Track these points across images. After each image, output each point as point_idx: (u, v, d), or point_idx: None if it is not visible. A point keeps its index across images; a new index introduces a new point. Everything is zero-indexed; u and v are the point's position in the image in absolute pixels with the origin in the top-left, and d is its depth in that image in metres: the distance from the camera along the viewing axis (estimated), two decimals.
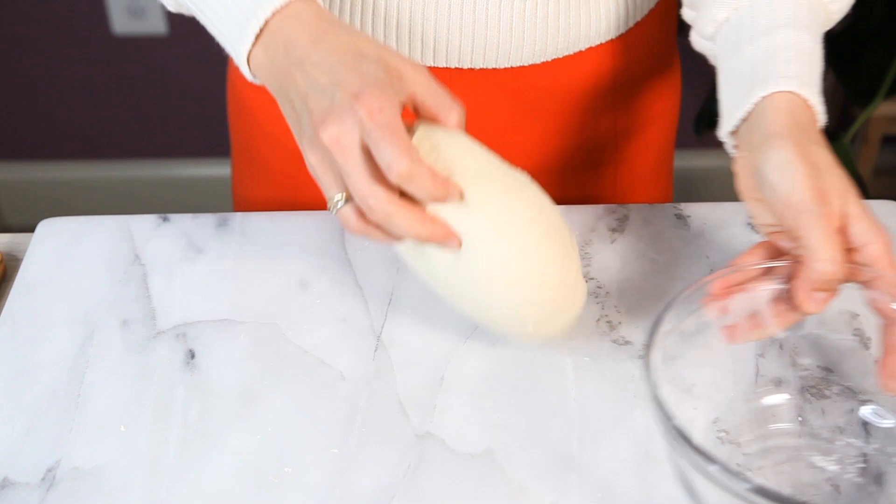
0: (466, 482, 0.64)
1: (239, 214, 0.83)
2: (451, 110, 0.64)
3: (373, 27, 0.81)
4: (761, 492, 0.51)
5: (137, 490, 0.64)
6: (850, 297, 0.75)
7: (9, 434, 0.67)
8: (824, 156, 0.64)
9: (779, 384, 0.69)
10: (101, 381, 0.70)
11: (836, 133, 1.69)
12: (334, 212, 0.64)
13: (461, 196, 0.63)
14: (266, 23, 0.64)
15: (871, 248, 0.61)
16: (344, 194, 0.63)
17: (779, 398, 0.68)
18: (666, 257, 0.78)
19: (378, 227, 0.63)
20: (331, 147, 0.60)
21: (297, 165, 0.91)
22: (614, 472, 0.64)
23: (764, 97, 0.65)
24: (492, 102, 0.85)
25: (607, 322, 0.73)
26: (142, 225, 0.82)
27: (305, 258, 0.79)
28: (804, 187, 0.61)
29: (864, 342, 0.72)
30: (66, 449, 0.66)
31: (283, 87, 0.64)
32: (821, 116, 0.67)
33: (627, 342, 0.72)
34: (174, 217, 0.83)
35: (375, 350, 0.72)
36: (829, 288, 0.61)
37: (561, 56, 0.83)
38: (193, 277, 0.78)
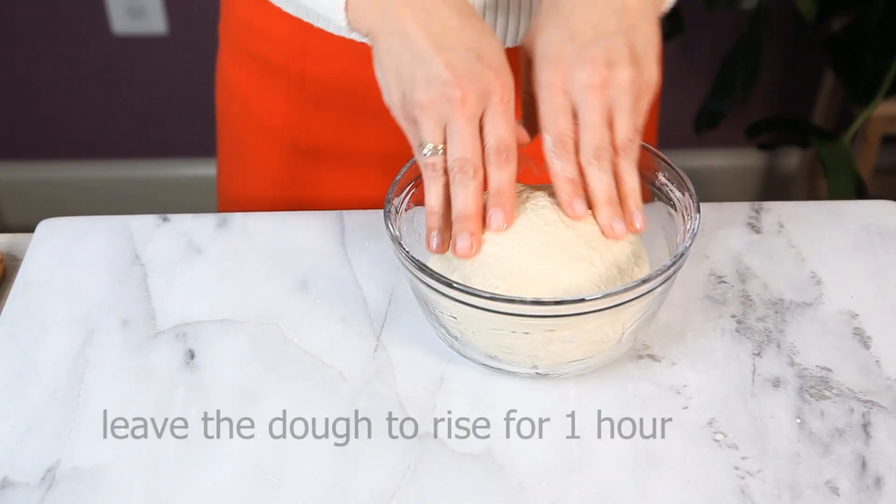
0: (466, 482, 0.64)
1: (239, 214, 0.83)
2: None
3: None
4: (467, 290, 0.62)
5: (137, 490, 0.64)
6: (850, 297, 0.75)
7: (9, 434, 0.67)
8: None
9: (777, 384, 0.69)
10: (101, 381, 0.70)
11: (836, 133, 1.69)
12: (423, 154, 0.66)
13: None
14: None
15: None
16: (439, 145, 0.65)
17: (777, 399, 0.68)
18: None
19: (448, 188, 0.66)
20: (460, 100, 0.63)
21: (288, 155, 0.91)
22: (614, 472, 0.64)
23: None
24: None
25: None
26: (142, 225, 0.82)
27: (305, 258, 0.79)
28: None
29: (864, 342, 0.72)
30: (66, 449, 0.66)
31: (404, 21, 0.66)
32: None
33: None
34: (174, 217, 0.83)
35: (375, 350, 0.72)
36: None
37: None
38: (193, 277, 0.78)
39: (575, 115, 0.66)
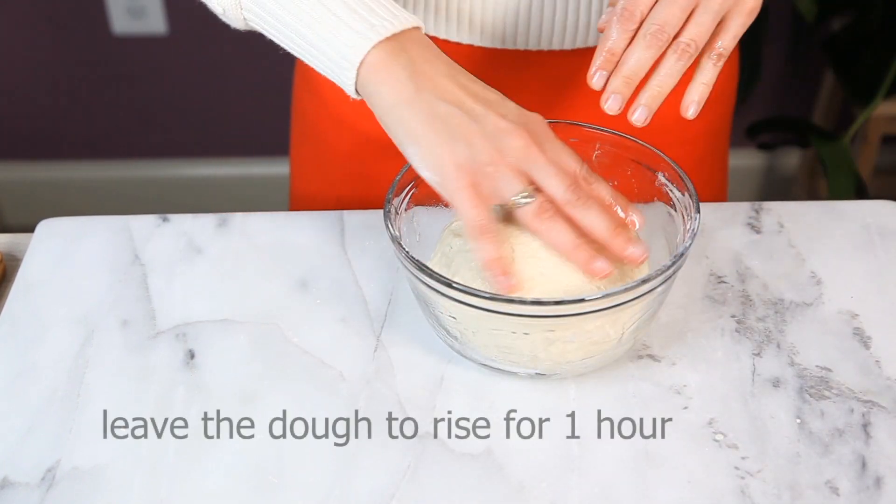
0: (466, 482, 0.64)
1: (239, 214, 0.83)
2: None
3: (414, 4, 0.81)
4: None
5: (137, 490, 0.64)
6: (850, 297, 0.75)
7: (9, 434, 0.67)
8: None
9: (777, 384, 0.69)
10: (101, 381, 0.70)
11: (836, 133, 1.69)
12: (521, 203, 0.64)
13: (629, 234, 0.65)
14: (392, 34, 0.65)
15: None
16: (531, 188, 0.64)
17: (777, 399, 0.68)
18: None
19: (556, 222, 0.64)
20: (526, 147, 0.63)
21: (364, 149, 0.91)
22: (614, 472, 0.64)
23: None
24: (531, 84, 0.86)
25: None
26: (142, 225, 0.82)
27: (305, 258, 0.79)
28: None
29: (864, 342, 0.72)
30: (66, 449, 0.66)
31: (426, 87, 0.64)
32: None
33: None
34: (174, 217, 0.83)
35: (375, 350, 0.72)
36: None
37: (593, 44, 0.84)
38: (193, 277, 0.78)
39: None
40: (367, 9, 0.66)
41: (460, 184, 0.63)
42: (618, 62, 0.66)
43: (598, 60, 0.66)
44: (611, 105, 0.65)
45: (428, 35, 0.83)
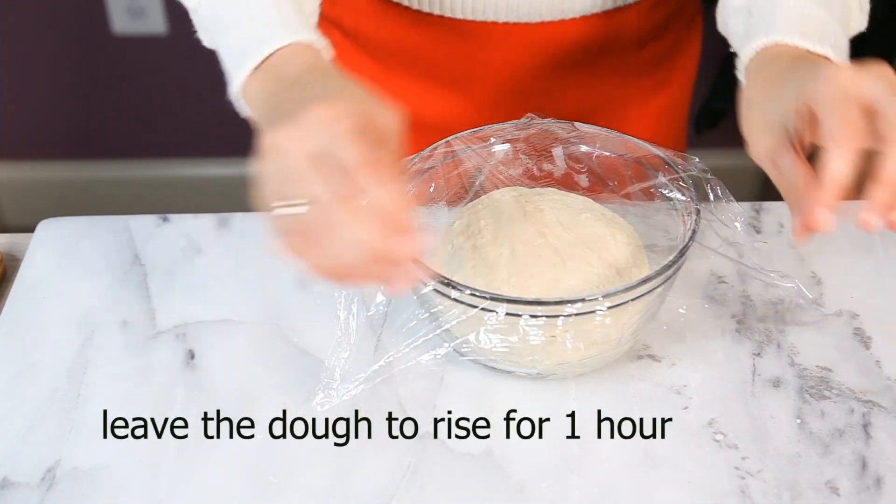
0: (466, 482, 0.64)
1: (239, 214, 0.83)
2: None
3: None
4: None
5: (137, 490, 0.64)
6: (850, 297, 0.75)
7: (9, 434, 0.67)
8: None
9: (777, 384, 0.69)
10: (101, 381, 0.70)
11: None
12: (275, 214, 0.54)
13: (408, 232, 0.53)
14: (264, 59, 0.63)
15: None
16: (302, 199, 0.53)
17: (777, 399, 0.68)
18: None
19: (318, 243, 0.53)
20: (281, 148, 0.53)
21: None
22: (614, 472, 0.64)
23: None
24: (522, 57, 0.88)
25: None
26: (142, 225, 0.82)
27: None
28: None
29: (865, 342, 0.72)
30: (65, 449, 0.66)
31: (261, 119, 0.62)
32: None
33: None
34: (174, 217, 0.83)
35: (375, 350, 0.72)
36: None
37: (590, 13, 0.86)
38: (193, 277, 0.77)
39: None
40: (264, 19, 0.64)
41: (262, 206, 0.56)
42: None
43: (825, 197, 0.55)
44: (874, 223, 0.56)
45: (421, 11, 0.84)
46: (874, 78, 0.56)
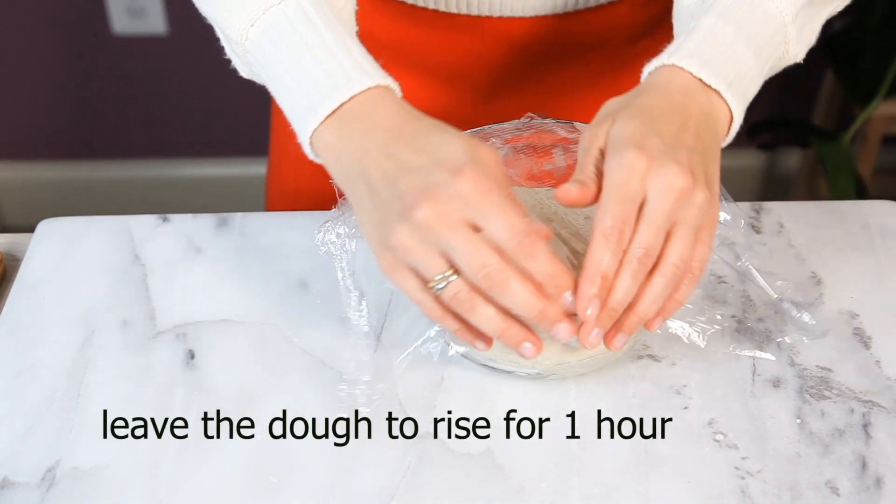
0: (466, 482, 0.64)
1: (239, 214, 0.83)
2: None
3: None
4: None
5: (137, 490, 0.64)
6: (850, 297, 0.75)
7: (9, 434, 0.67)
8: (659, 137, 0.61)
9: (777, 384, 0.69)
10: (101, 381, 0.70)
11: (836, 133, 1.69)
12: (438, 290, 0.60)
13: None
14: (341, 105, 0.62)
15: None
16: (450, 270, 0.59)
17: (777, 399, 0.68)
18: None
19: (487, 304, 0.60)
20: (434, 223, 0.58)
21: None
22: (614, 472, 0.64)
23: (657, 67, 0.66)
24: (515, 52, 0.88)
25: None
26: (142, 225, 0.82)
27: (305, 258, 0.78)
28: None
29: (865, 342, 0.72)
30: (65, 449, 0.66)
31: (360, 169, 0.61)
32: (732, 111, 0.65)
33: None
34: (174, 217, 0.83)
35: (375, 350, 0.72)
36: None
37: (583, 7, 0.86)
38: (193, 277, 0.77)
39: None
40: (326, 67, 0.64)
41: (392, 267, 0.61)
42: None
43: (591, 288, 0.59)
44: (593, 339, 0.61)
45: (415, 5, 0.85)
46: (661, 176, 0.59)
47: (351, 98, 0.62)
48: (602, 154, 0.62)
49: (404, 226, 0.59)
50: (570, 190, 0.60)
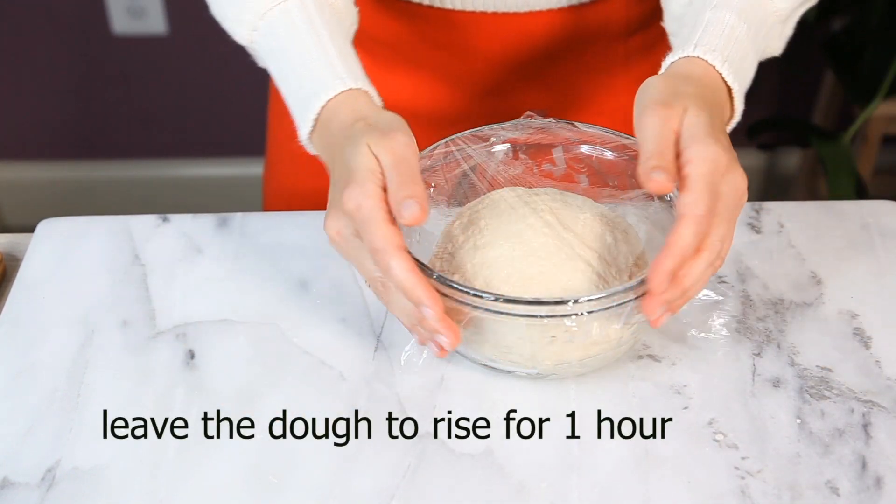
0: (466, 482, 0.64)
1: (239, 214, 0.83)
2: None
3: None
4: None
5: (137, 490, 0.64)
6: (850, 297, 0.75)
7: (9, 434, 0.67)
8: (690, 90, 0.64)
9: (777, 384, 0.69)
10: (101, 381, 0.70)
11: (836, 133, 1.69)
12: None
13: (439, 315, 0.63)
14: (319, 113, 0.68)
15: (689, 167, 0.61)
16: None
17: (777, 399, 0.68)
18: None
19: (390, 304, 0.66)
20: (334, 237, 0.65)
21: None
22: (614, 472, 0.64)
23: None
24: (510, 47, 0.88)
25: None
26: (142, 225, 0.82)
27: (305, 258, 0.79)
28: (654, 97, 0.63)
29: (865, 342, 0.72)
30: (65, 449, 0.66)
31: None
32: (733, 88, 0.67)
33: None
34: (174, 217, 0.83)
35: (375, 350, 0.72)
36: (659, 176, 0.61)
37: (577, 3, 0.86)
38: (193, 277, 0.78)
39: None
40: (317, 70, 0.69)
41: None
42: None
43: (670, 263, 0.60)
44: (657, 312, 0.61)
45: (410, 1, 0.85)
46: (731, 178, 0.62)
47: (324, 105, 0.67)
48: (676, 137, 0.62)
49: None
50: (662, 182, 0.60)
